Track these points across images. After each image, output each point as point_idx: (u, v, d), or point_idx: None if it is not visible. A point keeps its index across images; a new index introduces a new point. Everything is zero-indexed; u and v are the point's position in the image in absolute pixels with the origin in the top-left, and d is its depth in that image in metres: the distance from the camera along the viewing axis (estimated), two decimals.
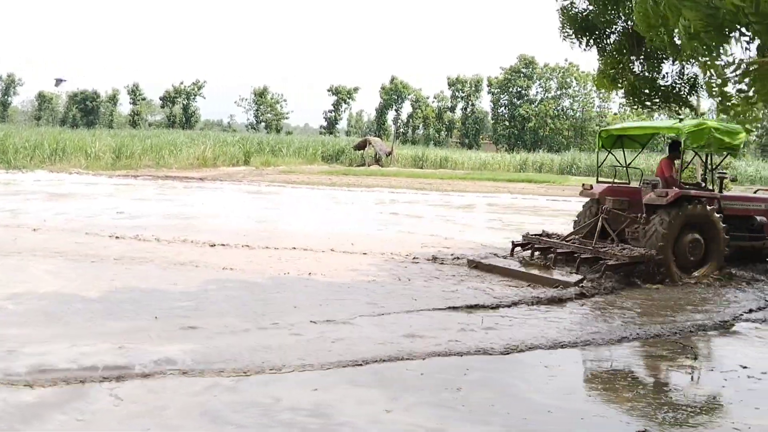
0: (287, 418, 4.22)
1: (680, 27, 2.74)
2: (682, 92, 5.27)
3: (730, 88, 3.31)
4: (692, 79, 5.26)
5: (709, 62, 2.95)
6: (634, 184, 11.11)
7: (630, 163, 11.55)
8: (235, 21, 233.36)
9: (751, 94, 2.96)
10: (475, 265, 9.66)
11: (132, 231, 11.86)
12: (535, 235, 10.42)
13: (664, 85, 5.24)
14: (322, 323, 6.35)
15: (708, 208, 9.45)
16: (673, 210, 9.14)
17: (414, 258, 10.27)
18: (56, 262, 8.91)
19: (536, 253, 10.10)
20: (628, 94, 5.06)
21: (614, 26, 5.06)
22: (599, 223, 9.88)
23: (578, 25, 4.90)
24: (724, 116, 3.37)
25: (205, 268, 8.88)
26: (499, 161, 46.17)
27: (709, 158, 11.31)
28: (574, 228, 10.71)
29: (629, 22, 4.63)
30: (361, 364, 5.20)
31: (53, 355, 5.16)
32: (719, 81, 3.15)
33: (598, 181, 11.02)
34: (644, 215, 9.60)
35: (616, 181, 11.13)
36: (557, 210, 19.94)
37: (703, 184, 11.04)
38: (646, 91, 5.07)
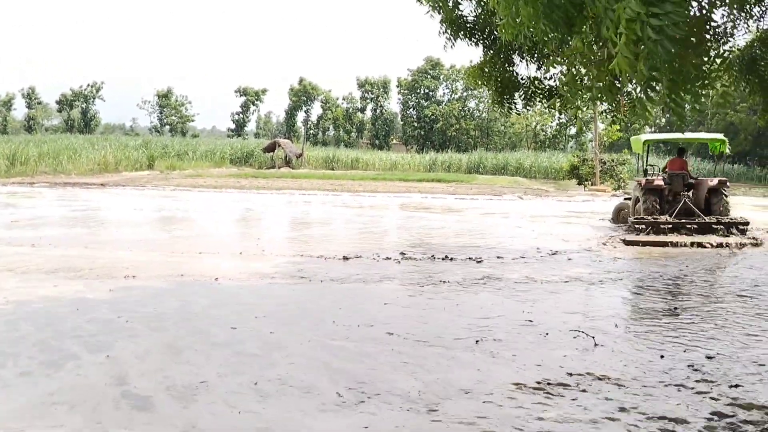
0: None
1: (524, 15, 2.97)
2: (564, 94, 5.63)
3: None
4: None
5: (559, 57, 3.18)
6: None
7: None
8: (135, 21, 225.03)
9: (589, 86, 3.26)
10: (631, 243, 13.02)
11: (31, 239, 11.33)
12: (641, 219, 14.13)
13: (551, 86, 5.57)
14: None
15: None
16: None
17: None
18: None
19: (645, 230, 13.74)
20: (498, 90, 5.37)
21: (494, 27, 5.35)
22: (687, 203, 14.37)
23: (462, 28, 5.15)
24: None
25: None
26: (409, 161, 46.93)
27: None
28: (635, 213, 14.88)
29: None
30: None
31: None
32: (565, 75, 3.38)
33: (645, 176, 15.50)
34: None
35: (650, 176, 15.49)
36: (464, 208, 20.58)
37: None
38: (523, 90, 5.39)
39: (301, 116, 76.14)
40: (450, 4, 5.10)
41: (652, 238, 13.25)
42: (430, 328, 6.48)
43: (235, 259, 10.17)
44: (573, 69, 3.11)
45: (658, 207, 14.41)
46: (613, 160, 32.16)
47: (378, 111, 73.71)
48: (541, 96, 5.60)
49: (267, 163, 44.65)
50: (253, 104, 76.95)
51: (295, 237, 13.99)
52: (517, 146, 63.34)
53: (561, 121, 57.76)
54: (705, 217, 14.10)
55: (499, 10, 3.14)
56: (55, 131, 73.48)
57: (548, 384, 4.93)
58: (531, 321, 6.78)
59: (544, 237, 13.94)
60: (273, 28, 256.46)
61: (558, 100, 5.65)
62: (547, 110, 6.63)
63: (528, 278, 9.25)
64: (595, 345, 5.95)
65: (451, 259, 10.71)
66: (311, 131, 73.83)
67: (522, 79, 5.51)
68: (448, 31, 5.22)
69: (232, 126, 76.85)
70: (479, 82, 5.57)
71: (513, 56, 5.30)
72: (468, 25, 5.23)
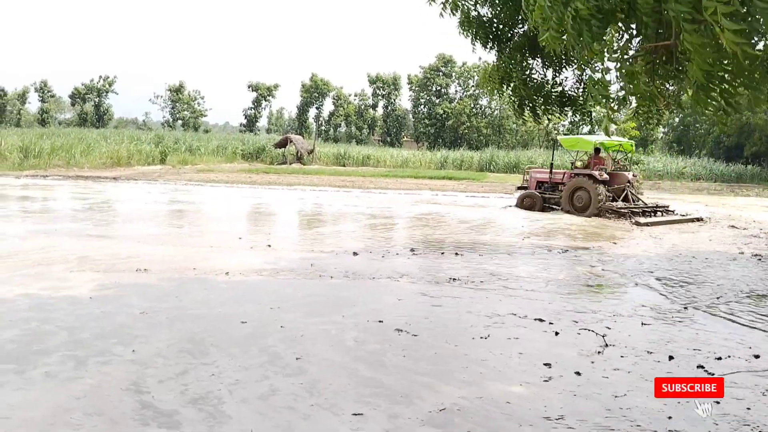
0: None
1: (569, 13, 2.90)
2: (580, 98, 5.56)
3: (613, 90, 3.55)
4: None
5: (593, 49, 3.11)
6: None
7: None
8: (148, 16, 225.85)
9: (624, 94, 3.22)
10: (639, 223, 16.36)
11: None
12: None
13: (560, 91, 5.50)
14: None
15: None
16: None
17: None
18: None
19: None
20: (518, 95, 5.28)
21: (515, 29, 5.29)
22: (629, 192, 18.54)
23: (479, 28, 5.09)
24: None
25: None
26: (420, 159, 46.85)
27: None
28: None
29: (528, 25, 4.87)
30: None
31: None
32: (600, 74, 3.33)
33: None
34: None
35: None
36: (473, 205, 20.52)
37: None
38: (542, 96, 5.31)
39: (312, 112, 76.28)
40: (467, 3, 5.04)
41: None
42: (438, 325, 6.47)
43: (246, 254, 10.19)
44: (602, 71, 3.06)
45: (610, 195, 17.99)
46: (625, 159, 31.89)
47: (389, 108, 73.66)
48: (555, 101, 5.51)
49: (278, 158, 44.74)
50: (265, 100, 77.08)
51: (305, 232, 14.01)
52: (529, 144, 63.13)
53: (573, 120, 57.47)
54: (647, 203, 18.45)
55: (535, 17, 3.07)
56: (68, 125, 73.98)
57: (555, 381, 4.92)
58: (542, 319, 6.76)
59: (554, 234, 13.90)
60: (285, 25, 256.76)
61: (570, 106, 5.58)
62: (560, 113, 6.48)
63: (538, 275, 9.23)
64: (606, 345, 5.92)
65: (461, 255, 10.70)
66: (323, 127, 73.91)
67: (541, 83, 5.42)
68: (469, 33, 5.16)
69: (244, 121, 77.02)
70: (495, 87, 5.45)
71: (529, 59, 5.23)
72: (484, 26, 5.16)
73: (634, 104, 3.65)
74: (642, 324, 6.79)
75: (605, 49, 3.15)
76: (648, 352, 5.79)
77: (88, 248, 10.15)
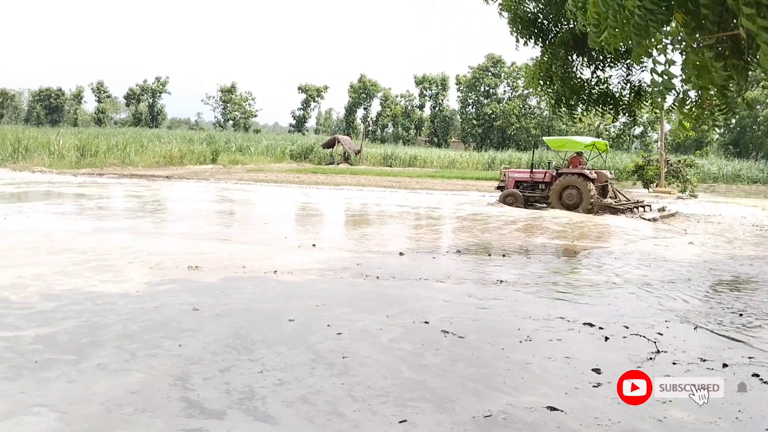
0: None
1: (629, 4, 2.80)
2: (625, 98, 5.40)
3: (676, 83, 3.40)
4: (637, 87, 5.38)
5: (654, 40, 2.98)
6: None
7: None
8: (202, 18, 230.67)
9: (689, 94, 3.10)
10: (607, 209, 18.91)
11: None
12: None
13: (606, 90, 5.35)
14: None
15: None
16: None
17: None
18: None
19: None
20: (558, 94, 5.16)
21: (560, 26, 5.18)
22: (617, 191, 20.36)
23: (525, 24, 5.01)
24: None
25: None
26: (467, 159, 46.52)
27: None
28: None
29: (574, 23, 4.76)
30: None
31: None
32: (663, 67, 3.18)
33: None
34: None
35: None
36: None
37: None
38: (584, 94, 5.18)
39: (360, 113, 76.60)
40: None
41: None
42: (485, 327, 6.41)
43: (294, 253, 10.30)
44: (665, 64, 2.92)
45: (599, 192, 19.34)
46: (679, 161, 31.02)
47: (437, 108, 73.42)
48: (596, 100, 5.36)
49: (326, 159, 45.08)
50: (314, 101, 77.80)
51: (352, 232, 14.08)
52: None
53: (624, 120, 56.22)
54: (630, 200, 20.34)
55: (590, 15, 2.98)
56: (123, 124, 76.16)
57: (604, 387, 4.80)
58: (592, 324, 6.62)
59: (604, 237, 13.62)
60: (335, 27, 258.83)
61: (613, 106, 5.42)
62: (603, 114, 6.30)
63: (587, 279, 9.05)
64: (657, 351, 5.76)
65: (509, 257, 10.57)
66: (370, 128, 74.16)
67: (583, 81, 5.28)
68: (516, 30, 5.09)
69: (293, 122, 77.91)
70: (539, 84, 5.34)
71: (572, 57, 5.12)
72: (530, 22, 5.08)
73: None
74: (696, 329, 6.59)
75: (669, 40, 3.02)
76: (701, 359, 5.61)
77: (143, 245, 10.40)
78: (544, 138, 23.40)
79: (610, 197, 19.85)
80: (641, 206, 19.65)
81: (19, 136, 34.35)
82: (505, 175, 21.44)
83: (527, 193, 20.32)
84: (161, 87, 78.73)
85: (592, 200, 18.73)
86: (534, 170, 20.78)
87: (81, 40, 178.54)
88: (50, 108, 78.39)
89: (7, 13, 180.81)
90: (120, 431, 3.92)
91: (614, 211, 18.78)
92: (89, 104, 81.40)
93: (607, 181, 19.86)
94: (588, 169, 19.72)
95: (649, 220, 17.81)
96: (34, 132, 40.07)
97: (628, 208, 19.26)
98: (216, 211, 16.63)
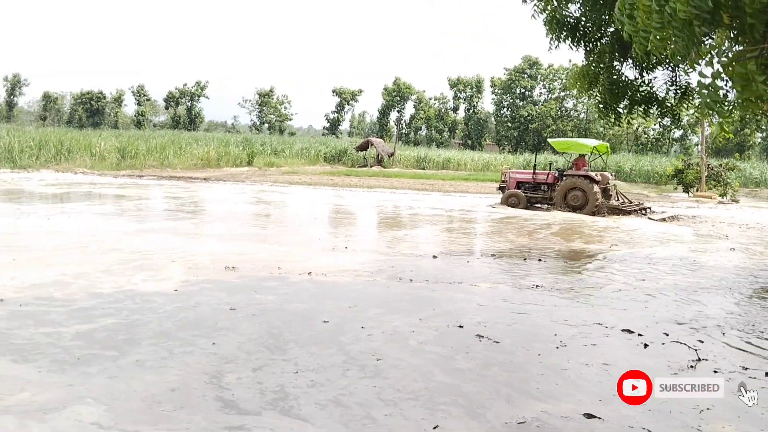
0: None
1: (668, 17, 2.76)
2: (669, 99, 5.31)
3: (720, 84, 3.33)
4: (683, 88, 5.28)
5: (700, 51, 2.95)
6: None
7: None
8: (239, 23, 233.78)
9: (731, 97, 3.03)
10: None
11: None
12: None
13: (650, 92, 5.26)
14: None
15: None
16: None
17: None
18: None
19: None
20: (603, 97, 5.08)
21: (604, 30, 5.12)
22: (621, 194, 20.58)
23: (566, 29, 4.95)
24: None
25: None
26: (502, 162, 46.11)
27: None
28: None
29: (620, 29, 4.70)
30: None
31: None
32: (709, 79, 3.14)
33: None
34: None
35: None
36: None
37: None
38: (627, 95, 5.10)
39: (393, 116, 76.58)
40: (555, 3, 4.93)
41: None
42: (520, 332, 6.34)
43: (328, 255, 10.35)
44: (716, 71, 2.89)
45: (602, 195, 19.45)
46: (720, 165, 30.28)
47: (471, 111, 73.02)
48: (640, 101, 5.28)
49: (359, 161, 45.20)
50: (348, 104, 78.07)
51: (385, 234, 14.07)
52: (617, 149, 60.96)
53: (664, 123, 55.20)
54: (632, 202, 20.60)
55: (641, 21, 2.94)
56: (162, 127, 77.44)
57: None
58: (630, 330, 6.50)
59: (640, 243, 13.37)
60: (370, 30, 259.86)
61: (658, 107, 5.33)
62: (644, 114, 6.21)
63: (626, 284, 8.89)
64: (699, 359, 5.62)
65: (544, 261, 10.46)
66: (403, 131, 74.11)
67: (626, 83, 5.20)
68: (553, 32, 5.05)
69: (327, 125, 78.30)
70: (584, 87, 5.28)
71: (617, 60, 5.05)
72: (571, 26, 5.03)
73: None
74: (739, 338, 6.42)
75: (714, 52, 2.98)
76: (743, 367, 5.47)
77: (181, 245, 10.57)
78: (549, 140, 23.46)
79: (613, 200, 19.93)
80: (643, 209, 19.65)
81: (62, 138, 35.20)
82: (506, 175, 21.36)
83: (529, 194, 20.26)
84: (200, 91, 79.84)
85: (597, 202, 18.80)
86: (536, 171, 20.77)
87: (122, 43, 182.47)
88: (91, 111, 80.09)
89: (52, 16, 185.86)
90: (164, 426, 3.99)
91: (621, 213, 18.91)
92: (129, 107, 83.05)
93: (608, 183, 19.83)
94: (586, 171, 19.75)
95: (657, 220, 17.95)
96: (76, 134, 41.02)
97: (635, 210, 19.30)
98: (252, 213, 16.82)
